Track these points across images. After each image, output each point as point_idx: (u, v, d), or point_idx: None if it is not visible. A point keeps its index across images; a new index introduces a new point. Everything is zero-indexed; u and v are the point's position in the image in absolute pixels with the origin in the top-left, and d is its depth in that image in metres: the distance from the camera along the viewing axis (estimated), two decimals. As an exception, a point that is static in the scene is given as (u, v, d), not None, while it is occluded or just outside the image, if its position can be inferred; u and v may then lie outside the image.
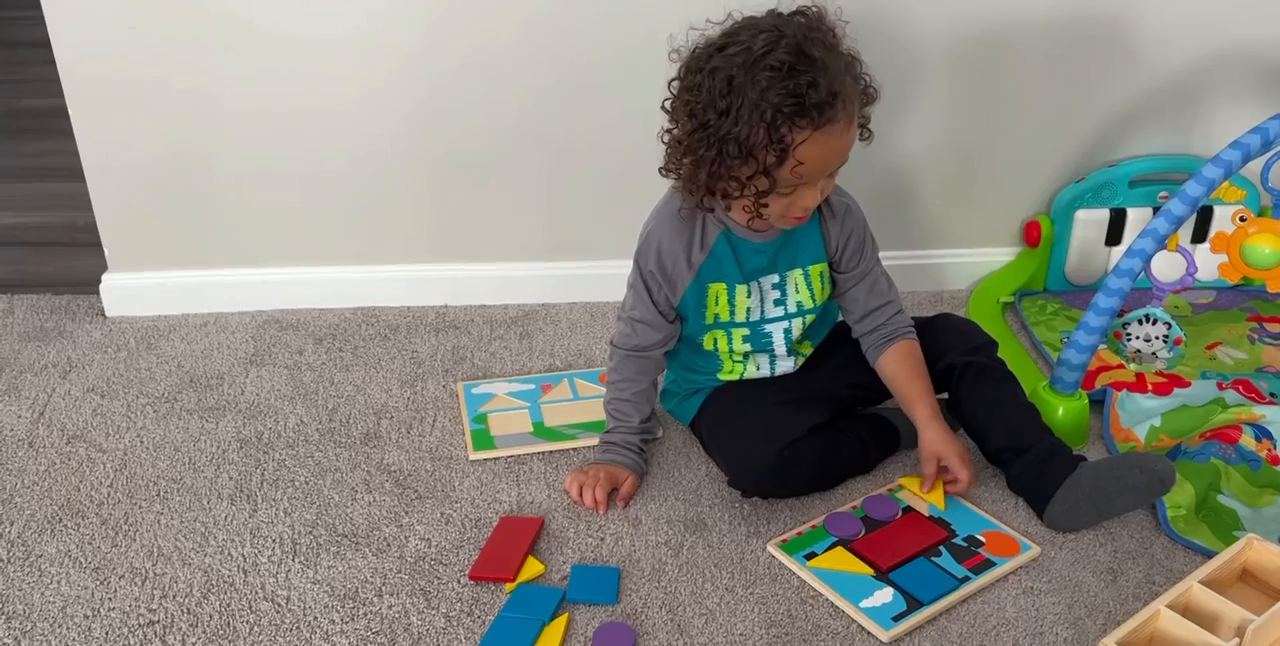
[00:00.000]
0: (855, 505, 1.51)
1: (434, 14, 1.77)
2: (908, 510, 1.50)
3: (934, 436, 1.48)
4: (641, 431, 1.58)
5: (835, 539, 1.44)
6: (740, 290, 1.49)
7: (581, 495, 1.51)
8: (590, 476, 1.52)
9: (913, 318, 1.58)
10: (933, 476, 1.49)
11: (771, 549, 1.43)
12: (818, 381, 1.58)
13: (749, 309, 1.51)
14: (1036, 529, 1.49)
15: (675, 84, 1.35)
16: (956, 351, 1.54)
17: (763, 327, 1.53)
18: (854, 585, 1.38)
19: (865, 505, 1.50)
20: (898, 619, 1.33)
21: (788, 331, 1.55)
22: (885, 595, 1.36)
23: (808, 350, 1.60)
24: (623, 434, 1.57)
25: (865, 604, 1.35)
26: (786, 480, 1.50)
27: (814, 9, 1.33)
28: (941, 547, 1.44)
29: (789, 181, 1.31)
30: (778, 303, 1.52)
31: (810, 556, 1.41)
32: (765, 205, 1.34)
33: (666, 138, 1.38)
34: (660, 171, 1.41)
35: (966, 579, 1.39)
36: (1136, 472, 1.43)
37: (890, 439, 1.60)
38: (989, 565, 1.42)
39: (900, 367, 1.52)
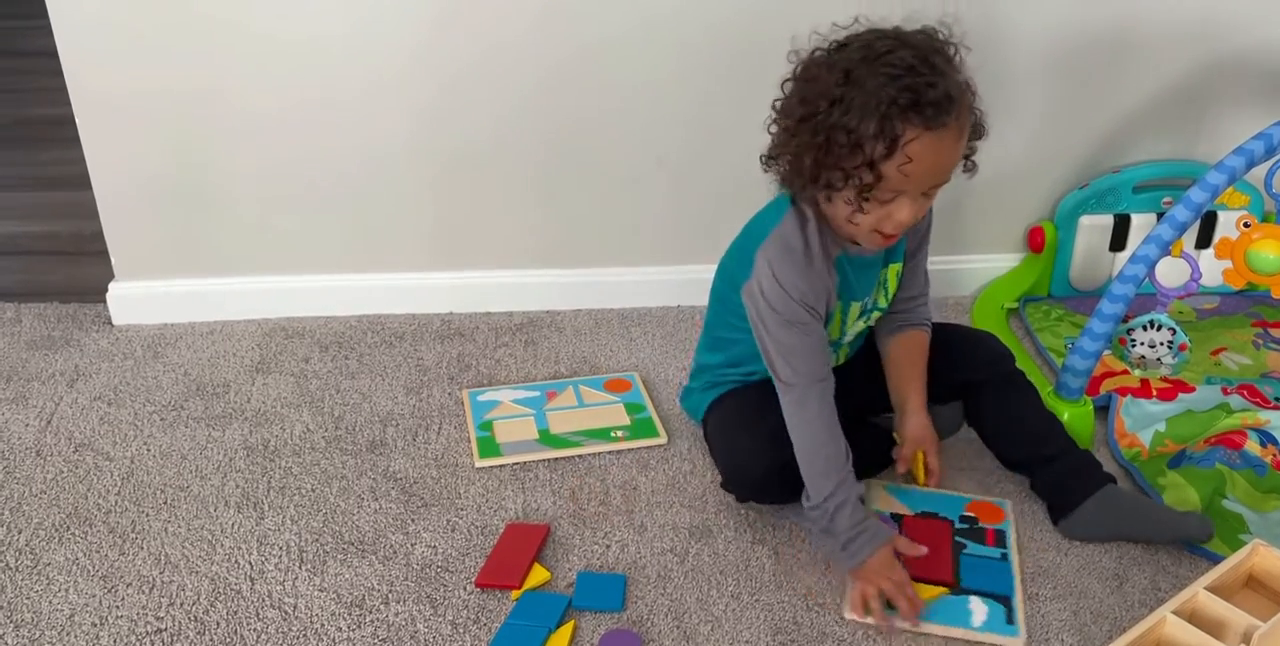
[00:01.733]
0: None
1: (438, 26, 1.77)
2: (899, 518, 1.50)
3: (922, 424, 1.52)
4: (862, 494, 1.42)
5: None
6: (855, 306, 1.48)
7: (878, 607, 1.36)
8: (880, 589, 1.36)
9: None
10: (909, 458, 1.52)
11: (852, 614, 1.36)
12: (840, 390, 1.53)
13: (853, 320, 1.50)
14: (983, 482, 1.54)
15: (789, 85, 1.34)
16: (972, 366, 1.54)
17: (846, 332, 1.53)
18: (950, 611, 1.36)
19: None
20: (1011, 622, 1.34)
21: (857, 327, 1.54)
22: (980, 606, 1.36)
23: (844, 356, 1.59)
24: (849, 510, 1.37)
25: (977, 623, 1.34)
26: (778, 492, 1.49)
27: (940, 31, 1.32)
28: (957, 538, 1.46)
29: (893, 182, 1.28)
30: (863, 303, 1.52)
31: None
32: (867, 199, 1.30)
33: (774, 128, 1.36)
34: (761, 159, 1.38)
35: (1005, 556, 1.43)
36: (1178, 531, 1.44)
37: (887, 453, 1.59)
38: (1001, 534, 1.47)
39: (904, 354, 1.55)
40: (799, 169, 1.33)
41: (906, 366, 1.55)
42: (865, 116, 1.24)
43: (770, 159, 1.38)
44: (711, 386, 1.59)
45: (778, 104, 1.35)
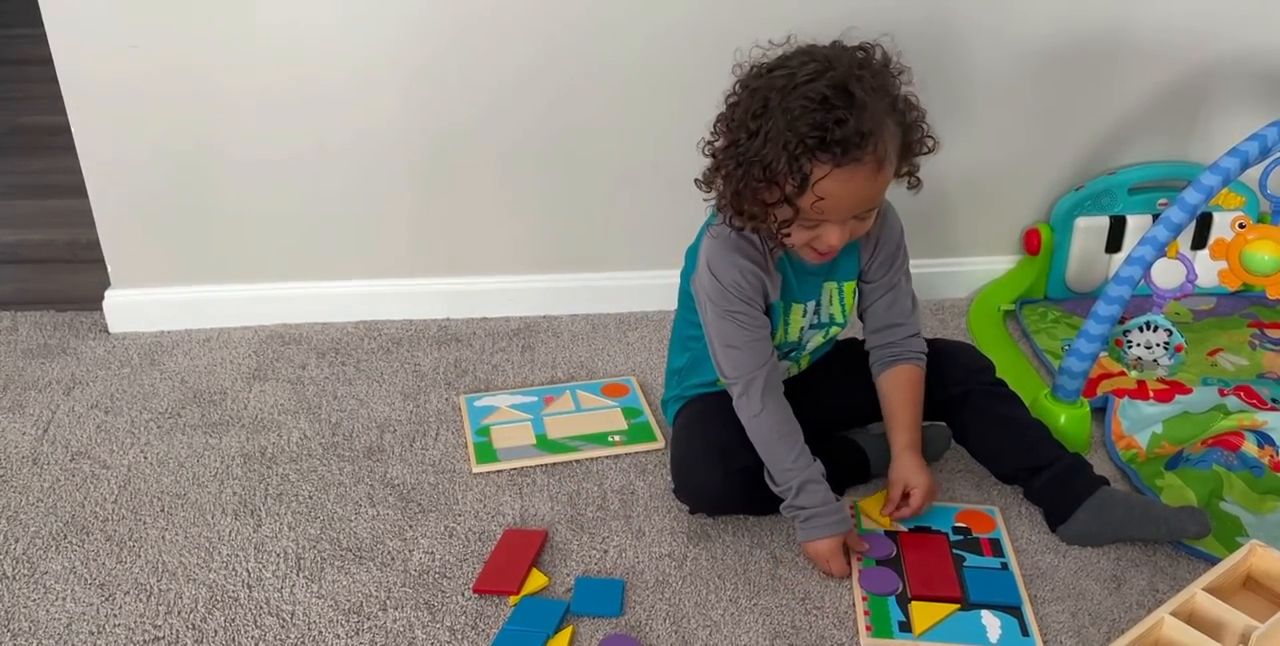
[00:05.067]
0: (859, 558, 1.45)
1: (437, 35, 1.78)
2: (894, 535, 1.49)
3: (908, 465, 1.48)
4: (824, 472, 1.44)
5: (894, 596, 1.39)
6: (796, 309, 1.48)
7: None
8: (827, 563, 1.43)
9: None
10: (895, 501, 1.49)
11: (869, 642, 1.33)
12: (803, 400, 1.51)
13: (801, 328, 1.51)
14: (971, 492, 1.54)
15: (725, 106, 1.35)
16: (953, 381, 1.53)
17: (801, 337, 1.53)
18: (964, 629, 1.35)
19: (869, 552, 1.47)
20: (1026, 634, 1.33)
21: (812, 340, 1.54)
22: (992, 621, 1.35)
23: (805, 363, 1.60)
24: (810, 491, 1.42)
25: (993, 638, 1.33)
26: (726, 503, 1.50)
27: (877, 48, 1.31)
28: (955, 550, 1.45)
29: (811, 215, 1.29)
30: (815, 313, 1.51)
31: (904, 626, 1.35)
32: (788, 234, 1.32)
33: (707, 149, 1.37)
34: (695, 182, 1.39)
35: (1005, 566, 1.43)
36: (1176, 529, 1.43)
37: (860, 468, 1.57)
38: (996, 543, 1.46)
39: (895, 392, 1.51)
40: (725, 196, 1.34)
41: (895, 402, 1.51)
42: (777, 152, 1.25)
43: (705, 183, 1.38)
44: (678, 399, 1.60)
45: (715, 127, 1.36)
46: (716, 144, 1.35)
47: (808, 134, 1.23)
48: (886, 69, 1.31)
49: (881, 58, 1.32)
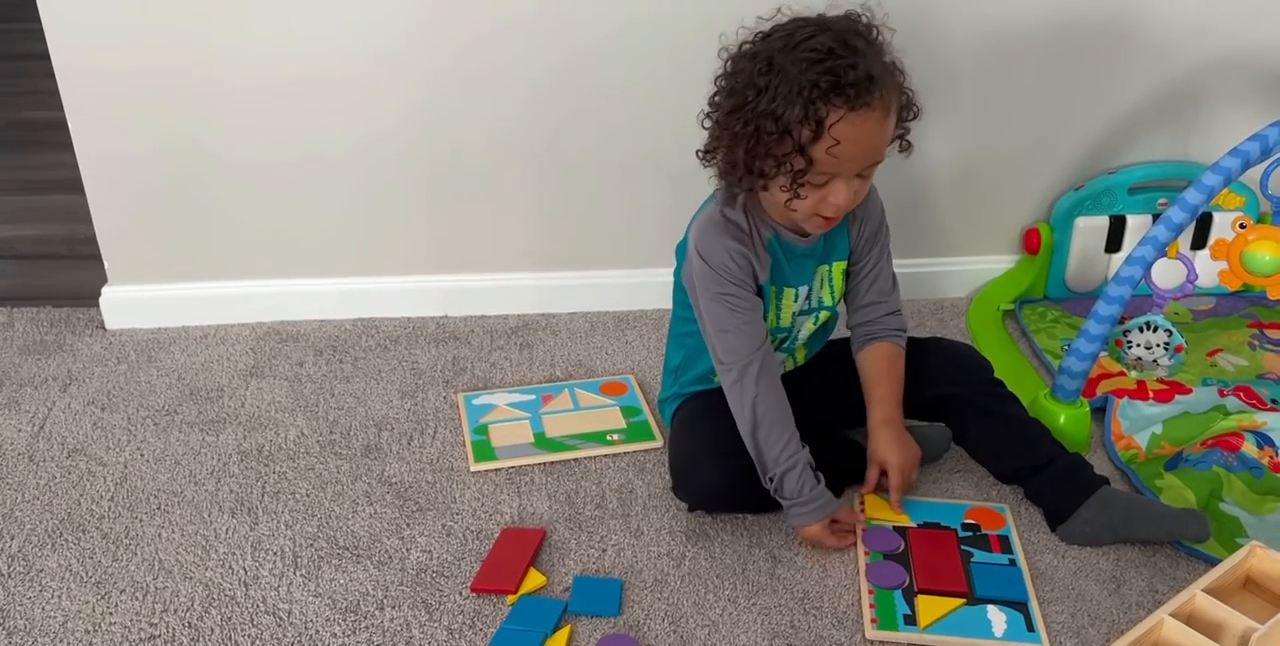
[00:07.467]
0: (867, 552, 1.46)
1: (432, 28, 1.77)
2: (903, 531, 1.49)
3: (880, 440, 1.50)
4: (810, 461, 1.44)
5: (900, 590, 1.40)
6: (789, 293, 1.49)
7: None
8: (822, 541, 1.45)
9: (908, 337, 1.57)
10: (874, 480, 1.51)
11: (874, 634, 1.33)
12: (802, 399, 1.51)
13: (793, 313, 1.51)
14: (970, 492, 1.54)
15: (720, 80, 1.37)
16: (952, 380, 1.53)
17: (793, 323, 1.53)
18: (970, 623, 1.35)
19: (872, 546, 1.47)
20: (1032, 629, 1.33)
21: (804, 326, 1.54)
22: (998, 616, 1.35)
23: (802, 358, 1.60)
24: (802, 477, 1.42)
25: (998, 633, 1.33)
26: (725, 501, 1.50)
27: (863, 14, 1.35)
28: (963, 546, 1.45)
29: (824, 165, 1.30)
30: (807, 297, 1.52)
31: (909, 619, 1.35)
32: (802, 185, 1.33)
33: (707, 122, 1.38)
34: (697, 154, 1.40)
35: (1013, 562, 1.43)
36: (1176, 529, 1.43)
37: (859, 466, 1.55)
38: (1005, 540, 1.47)
39: (872, 368, 1.53)
40: (733, 160, 1.36)
41: (870, 378, 1.53)
42: (790, 102, 1.27)
43: (706, 153, 1.40)
44: (675, 397, 1.60)
45: (713, 99, 1.38)
46: (718, 113, 1.36)
47: (820, 79, 1.26)
48: (873, 32, 1.34)
49: (866, 23, 1.35)
